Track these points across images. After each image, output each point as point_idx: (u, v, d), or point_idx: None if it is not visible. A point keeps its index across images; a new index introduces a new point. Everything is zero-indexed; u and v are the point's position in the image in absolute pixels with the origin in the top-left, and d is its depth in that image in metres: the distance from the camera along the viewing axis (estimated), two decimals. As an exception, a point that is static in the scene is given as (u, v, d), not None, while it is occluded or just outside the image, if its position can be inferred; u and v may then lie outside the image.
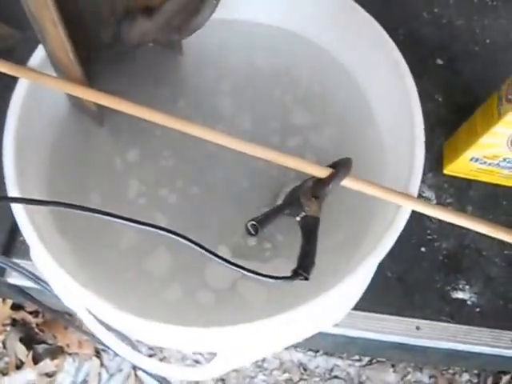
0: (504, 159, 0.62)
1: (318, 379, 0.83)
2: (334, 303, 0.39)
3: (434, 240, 0.67)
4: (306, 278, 0.36)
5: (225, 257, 0.34)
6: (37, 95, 0.43)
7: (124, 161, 0.47)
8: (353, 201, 0.44)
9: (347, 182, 0.39)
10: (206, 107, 0.50)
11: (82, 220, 0.37)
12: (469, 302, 0.74)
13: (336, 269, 0.41)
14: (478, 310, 0.73)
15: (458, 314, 0.72)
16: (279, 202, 0.47)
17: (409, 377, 0.83)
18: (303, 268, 0.36)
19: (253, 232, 0.37)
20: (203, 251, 0.34)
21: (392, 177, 0.45)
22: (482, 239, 0.73)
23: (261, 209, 0.46)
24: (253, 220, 0.37)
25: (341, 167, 0.39)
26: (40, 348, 0.79)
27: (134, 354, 0.41)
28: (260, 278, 0.35)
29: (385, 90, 0.47)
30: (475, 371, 0.83)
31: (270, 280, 0.35)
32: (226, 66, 0.53)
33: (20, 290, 0.59)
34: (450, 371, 0.83)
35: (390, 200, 0.39)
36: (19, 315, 0.82)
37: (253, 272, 0.35)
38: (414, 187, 0.41)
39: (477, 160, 0.64)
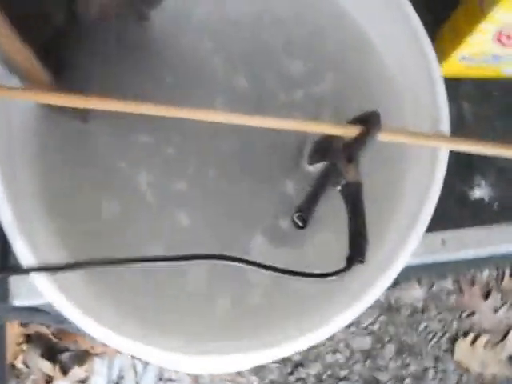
0: (493, 56, 0.59)
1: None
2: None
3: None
4: (362, 261, 0.32)
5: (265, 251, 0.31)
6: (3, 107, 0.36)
7: (124, 156, 0.42)
8: (383, 154, 0.40)
9: (382, 136, 0.35)
10: (196, 76, 0.44)
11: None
12: (487, 199, 0.71)
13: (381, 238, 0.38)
14: (497, 204, 0.71)
15: (480, 215, 0.71)
16: (305, 162, 0.42)
17: (434, 288, 0.84)
18: (357, 250, 0.32)
19: (301, 224, 0.33)
20: (247, 265, 0.30)
21: (411, 124, 0.41)
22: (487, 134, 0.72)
23: (289, 178, 0.42)
24: (298, 211, 0.33)
25: (372, 122, 0.35)
26: (64, 357, 0.76)
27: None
28: (312, 278, 0.32)
29: (388, 27, 0.43)
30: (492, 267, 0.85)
31: (324, 278, 0.32)
32: (205, 24, 0.46)
33: (29, 310, 0.54)
34: (471, 271, 0.84)
35: (431, 145, 0.35)
36: (31, 329, 0.77)
37: (304, 274, 0.31)
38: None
39: (465, 59, 0.60)
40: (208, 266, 0.39)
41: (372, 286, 0.35)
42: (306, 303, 0.39)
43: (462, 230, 0.70)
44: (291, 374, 0.81)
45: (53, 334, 0.78)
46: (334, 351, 0.83)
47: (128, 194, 0.40)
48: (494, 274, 0.84)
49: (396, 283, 0.84)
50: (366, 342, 0.83)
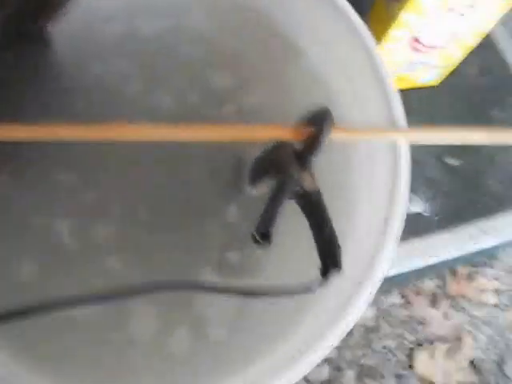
0: (409, 64, 0.59)
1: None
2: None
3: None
4: (339, 270, 0.28)
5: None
6: None
7: (37, 206, 0.35)
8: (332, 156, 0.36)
9: (337, 135, 0.31)
10: (112, 100, 0.38)
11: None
12: (425, 214, 0.73)
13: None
14: (436, 218, 0.72)
15: (418, 227, 0.71)
16: (247, 184, 0.38)
17: (382, 304, 0.82)
18: (330, 259, 0.28)
19: (262, 241, 0.28)
20: (207, 292, 0.25)
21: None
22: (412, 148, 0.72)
23: (230, 205, 0.37)
24: (259, 226, 0.28)
25: (323, 120, 0.31)
26: None
27: None
28: (283, 295, 0.27)
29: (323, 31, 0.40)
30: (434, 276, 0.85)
31: (300, 294, 0.27)
32: (118, 43, 0.41)
33: None
34: (414, 283, 0.83)
35: (392, 138, 0.32)
36: None
37: (276, 292, 0.27)
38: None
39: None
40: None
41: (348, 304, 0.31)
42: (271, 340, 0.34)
43: (403, 243, 0.70)
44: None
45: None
46: (292, 388, 0.77)
47: (46, 249, 0.33)
48: (437, 282, 0.84)
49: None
50: (323, 372, 0.78)
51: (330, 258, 0.29)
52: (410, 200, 0.72)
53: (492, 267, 0.85)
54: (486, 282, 0.83)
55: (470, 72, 0.81)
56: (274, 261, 0.36)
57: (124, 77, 0.39)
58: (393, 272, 0.71)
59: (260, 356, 0.33)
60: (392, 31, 0.49)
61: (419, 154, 0.75)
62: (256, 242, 0.28)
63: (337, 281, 0.32)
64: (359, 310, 0.31)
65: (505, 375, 0.80)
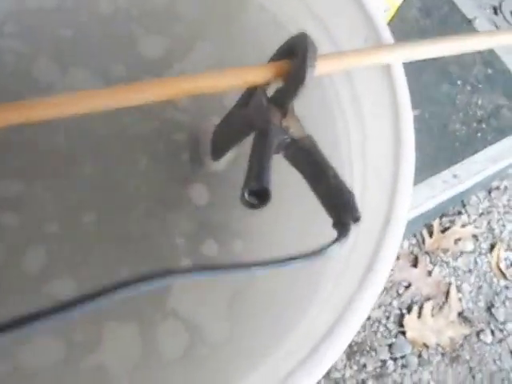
0: None
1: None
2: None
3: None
4: (358, 217, 0.22)
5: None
6: None
7: None
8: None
9: (323, 67, 0.25)
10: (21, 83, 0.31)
11: None
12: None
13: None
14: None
15: None
16: (209, 159, 0.32)
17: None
18: (345, 209, 0.22)
19: (257, 202, 0.21)
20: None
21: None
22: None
23: (193, 187, 0.30)
24: (251, 184, 0.21)
25: (303, 50, 0.24)
26: None
27: None
28: (300, 262, 0.20)
29: None
30: (409, 234, 0.81)
31: (316, 257, 0.21)
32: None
33: None
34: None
35: (390, 58, 0.25)
36: None
37: (289, 260, 0.20)
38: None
39: None
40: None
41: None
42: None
43: None
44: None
45: None
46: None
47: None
48: (414, 241, 0.80)
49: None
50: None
51: (343, 209, 0.23)
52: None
53: (464, 213, 0.82)
54: (462, 230, 0.80)
55: (413, 15, 0.77)
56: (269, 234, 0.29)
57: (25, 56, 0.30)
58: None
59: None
60: None
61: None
62: (249, 204, 0.21)
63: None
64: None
65: (496, 319, 0.77)
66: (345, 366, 0.73)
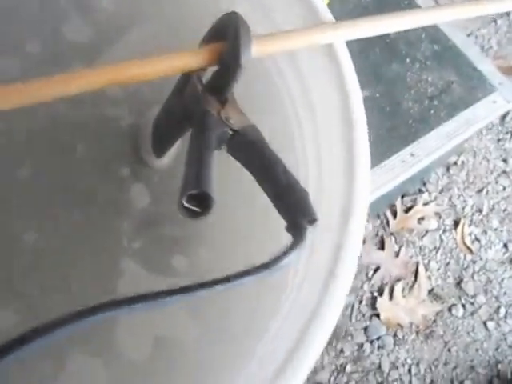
0: None
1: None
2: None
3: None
4: (314, 219, 0.21)
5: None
6: None
7: None
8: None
9: (260, 48, 0.23)
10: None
11: None
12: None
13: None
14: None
15: None
16: (151, 156, 0.30)
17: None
18: (301, 211, 0.21)
19: (199, 210, 0.20)
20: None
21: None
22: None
23: (134, 188, 0.29)
24: (189, 188, 0.19)
25: (236, 31, 0.23)
26: None
27: None
28: (260, 274, 0.19)
29: None
30: (373, 216, 0.81)
31: (269, 270, 0.19)
32: None
33: None
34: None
35: (325, 40, 0.24)
36: None
37: (246, 273, 0.19)
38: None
39: None
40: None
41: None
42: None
43: None
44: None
45: None
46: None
47: None
48: (378, 222, 0.80)
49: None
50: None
51: (296, 210, 0.21)
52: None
53: (424, 192, 0.82)
54: (424, 208, 0.81)
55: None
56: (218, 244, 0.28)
57: None
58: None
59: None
60: None
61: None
62: (188, 213, 0.20)
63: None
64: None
65: (466, 294, 0.78)
66: (322, 352, 0.72)
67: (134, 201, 0.28)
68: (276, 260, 0.19)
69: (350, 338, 0.73)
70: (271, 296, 0.26)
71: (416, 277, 0.77)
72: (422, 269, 0.78)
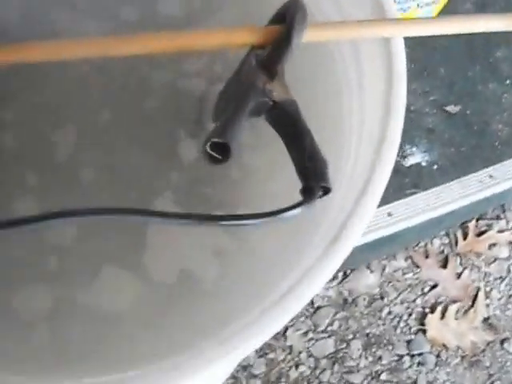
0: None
1: (304, 318, 0.73)
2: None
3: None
4: (327, 188, 0.23)
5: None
6: None
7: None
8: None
9: (311, 35, 0.26)
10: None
11: None
12: (424, 164, 0.68)
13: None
14: (435, 167, 0.68)
15: (420, 180, 0.67)
16: (206, 123, 0.33)
17: (387, 270, 0.76)
18: (317, 177, 0.23)
19: (218, 156, 0.23)
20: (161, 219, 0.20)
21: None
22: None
23: (190, 146, 0.32)
24: (213, 136, 0.22)
25: (292, 17, 0.25)
26: None
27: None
28: (265, 220, 0.22)
29: None
30: (442, 233, 0.79)
31: (278, 217, 0.22)
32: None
33: None
34: (421, 245, 0.78)
35: (382, 34, 0.26)
36: None
37: (252, 217, 0.21)
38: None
39: None
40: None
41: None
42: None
43: (405, 199, 0.65)
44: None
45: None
46: (297, 365, 0.72)
47: None
48: (446, 241, 0.78)
49: (344, 272, 0.75)
50: (328, 346, 0.73)
51: (313, 175, 0.23)
52: (410, 152, 0.67)
53: (502, 219, 0.79)
54: (497, 235, 0.78)
55: (466, 8, 0.75)
56: (248, 190, 0.31)
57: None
58: (397, 229, 0.66)
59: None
60: None
61: (416, 103, 0.70)
62: (211, 158, 0.23)
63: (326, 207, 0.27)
64: (350, 243, 0.26)
65: (523, 331, 0.75)
66: (360, 355, 0.73)
67: (185, 157, 0.31)
68: (281, 211, 0.21)
69: (390, 347, 0.73)
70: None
71: (474, 302, 0.75)
72: (482, 295, 0.76)
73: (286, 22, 0.25)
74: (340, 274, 0.75)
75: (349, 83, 0.31)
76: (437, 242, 0.78)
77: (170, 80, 0.35)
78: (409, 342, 0.73)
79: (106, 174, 0.31)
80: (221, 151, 0.22)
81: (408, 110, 0.71)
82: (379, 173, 0.26)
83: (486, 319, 0.75)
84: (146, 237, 0.29)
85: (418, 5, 0.58)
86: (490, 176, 0.67)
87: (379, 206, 0.68)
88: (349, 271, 0.76)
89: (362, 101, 0.30)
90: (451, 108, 0.70)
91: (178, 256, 0.29)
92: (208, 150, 0.22)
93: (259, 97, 0.25)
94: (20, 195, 0.30)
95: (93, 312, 0.28)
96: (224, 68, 0.32)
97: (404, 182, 0.68)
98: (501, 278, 0.77)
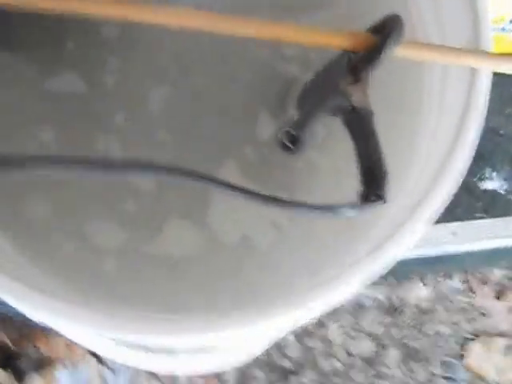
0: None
1: (347, 315, 0.74)
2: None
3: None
4: (382, 199, 0.24)
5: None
6: None
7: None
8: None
9: (403, 50, 0.27)
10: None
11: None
12: (500, 190, 0.66)
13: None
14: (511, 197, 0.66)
15: (492, 206, 0.65)
16: (289, 108, 0.35)
17: (441, 287, 0.76)
18: (375, 185, 0.24)
19: (290, 145, 0.25)
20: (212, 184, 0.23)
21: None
22: (495, 118, 0.65)
23: (269, 124, 0.34)
24: (288, 126, 0.24)
25: (389, 30, 0.26)
26: (21, 364, 0.66)
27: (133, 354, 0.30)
28: (314, 212, 0.24)
29: None
30: (505, 264, 0.77)
31: (330, 214, 0.24)
32: None
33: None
34: (481, 271, 0.76)
35: (469, 63, 0.26)
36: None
37: (304, 205, 0.23)
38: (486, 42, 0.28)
39: None
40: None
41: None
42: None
43: (474, 221, 0.64)
44: (281, 383, 0.71)
45: (12, 342, 0.68)
46: (331, 357, 0.73)
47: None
48: (508, 273, 0.76)
49: (398, 280, 0.75)
50: (367, 347, 0.74)
51: (372, 185, 0.25)
52: (488, 176, 0.66)
53: None
54: None
55: None
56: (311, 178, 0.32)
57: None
58: (461, 250, 0.65)
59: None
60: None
61: (507, 128, 0.67)
62: (283, 146, 0.25)
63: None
64: (404, 244, 0.27)
65: None
66: (395, 365, 0.73)
67: (261, 135, 0.33)
68: (333, 207, 0.23)
69: (427, 364, 0.72)
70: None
71: (523, 341, 0.73)
72: (533, 337, 0.73)
73: (383, 32, 0.26)
74: (393, 281, 0.75)
75: (431, 106, 0.32)
76: (498, 272, 0.76)
77: (266, 58, 0.36)
78: (446, 363, 0.73)
79: (183, 136, 0.34)
80: (292, 142, 0.24)
81: (496, 134, 0.69)
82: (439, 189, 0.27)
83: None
84: (212, 200, 0.32)
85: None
86: None
87: (444, 221, 0.67)
88: (402, 280, 0.76)
89: (439, 125, 0.31)
90: (545, 139, 0.68)
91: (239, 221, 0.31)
92: (281, 137, 0.24)
93: (339, 98, 0.26)
94: (106, 134, 0.33)
95: (158, 258, 0.31)
96: (319, 58, 0.33)
97: (476, 205, 0.67)
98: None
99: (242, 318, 0.24)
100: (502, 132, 0.67)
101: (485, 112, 0.28)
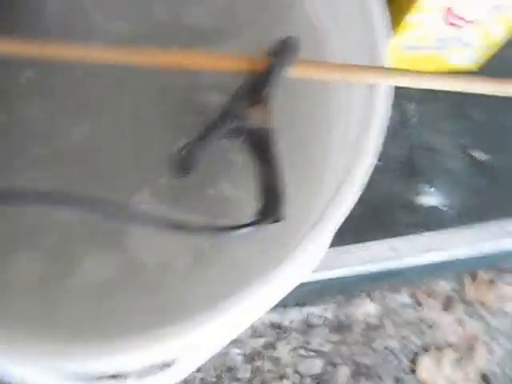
0: (439, 40, 0.52)
1: (296, 334, 0.73)
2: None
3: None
4: (277, 219, 0.24)
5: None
6: None
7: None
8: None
9: (298, 70, 0.27)
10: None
11: None
12: (437, 205, 0.67)
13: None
14: (449, 210, 0.67)
15: (430, 220, 0.66)
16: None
17: (388, 302, 0.76)
18: (270, 205, 0.24)
19: (182, 171, 0.24)
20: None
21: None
22: (430, 134, 0.66)
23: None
24: (181, 150, 0.24)
25: (284, 51, 0.27)
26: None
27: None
28: (212, 233, 0.23)
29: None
30: (451, 276, 0.78)
31: (228, 233, 0.23)
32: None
33: None
34: (427, 284, 0.77)
35: (367, 81, 0.27)
36: None
37: (200, 229, 0.23)
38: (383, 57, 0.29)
39: (411, 48, 0.53)
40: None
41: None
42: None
43: (412, 236, 0.65)
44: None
45: None
46: (281, 377, 0.72)
47: None
48: (454, 284, 0.77)
49: (345, 297, 0.75)
50: (316, 366, 0.73)
51: (269, 206, 0.25)
52: (426, 191, 0.67)
53: (514, 273, 0.77)
54: (510, 289, 0.76)
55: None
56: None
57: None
58: (403, 265, 0.65)
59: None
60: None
61: (442, 143, 0.69)
62: (174, 167, 0.25)
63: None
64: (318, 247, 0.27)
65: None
66: (346, 382, 0.73)
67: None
68: (232, 228, 0.23)
69: (377, 378, 0.72)
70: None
71: (472, 353, 0.74)
72: (482, 348, 0.74)
73: (277, 55, 0.27)
74: (341, 298, 0.75)
75: (339, 120, 0.32)
76: (444, 284, 0.77)
77: (186, 87, 0.36)
78: (398, 379, 0.73)
79: (99, 168, 0.33)
80: (182, 163, 0.24)
81: (431, 149, 0.70)
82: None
83: (483, 374, 0.74)
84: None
85: (459, 46, 0.57)
86: (506, 230, 0.66)
87: (382, 238, 0.68)
88: (350, 297, 0.76)
89: (346, 138, 0.31)
90: (479, 154, 0.69)
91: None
92: (174, 163, 0.24)
93: (236, 120, 0.26)
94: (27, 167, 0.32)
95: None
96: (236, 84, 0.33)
97: (413, 220, 0.68)
98: (507, 335, 0.75)
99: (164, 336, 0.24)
100: (437, 147, 0.68)
101: (385, 125, 0.28)
